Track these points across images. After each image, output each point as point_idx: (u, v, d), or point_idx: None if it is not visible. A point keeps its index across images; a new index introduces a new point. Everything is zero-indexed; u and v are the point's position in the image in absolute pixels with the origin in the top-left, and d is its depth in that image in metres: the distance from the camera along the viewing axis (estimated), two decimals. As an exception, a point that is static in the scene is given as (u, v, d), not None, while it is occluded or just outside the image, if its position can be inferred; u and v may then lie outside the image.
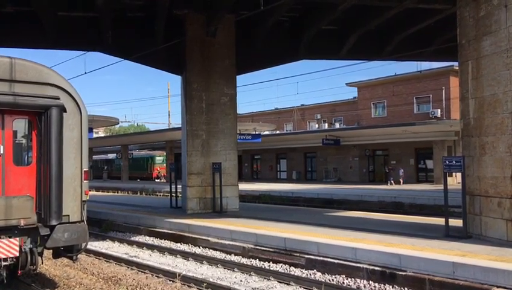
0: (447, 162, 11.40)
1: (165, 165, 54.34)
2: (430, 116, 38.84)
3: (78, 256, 8.67)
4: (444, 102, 39.30)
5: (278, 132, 53.10)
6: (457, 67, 12.85)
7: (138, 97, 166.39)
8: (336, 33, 19.13)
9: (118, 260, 12.02)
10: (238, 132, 26.75)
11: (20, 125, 8.16)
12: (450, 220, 11.56)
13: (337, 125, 50.91)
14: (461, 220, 11.26)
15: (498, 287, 7.76)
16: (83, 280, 9.77)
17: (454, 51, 12.08)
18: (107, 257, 12.39)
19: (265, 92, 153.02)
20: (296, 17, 18.73)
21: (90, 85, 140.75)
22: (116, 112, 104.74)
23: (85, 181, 8.39)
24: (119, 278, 9.85)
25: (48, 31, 16.35)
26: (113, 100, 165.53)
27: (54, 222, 7.72)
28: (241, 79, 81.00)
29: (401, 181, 35.99)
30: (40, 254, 8.05)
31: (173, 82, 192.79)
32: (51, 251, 8.47)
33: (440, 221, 13.28)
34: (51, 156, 7.77)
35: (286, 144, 46.07)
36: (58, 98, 8.05)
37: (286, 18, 18.85)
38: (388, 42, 19.30)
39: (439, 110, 39.19)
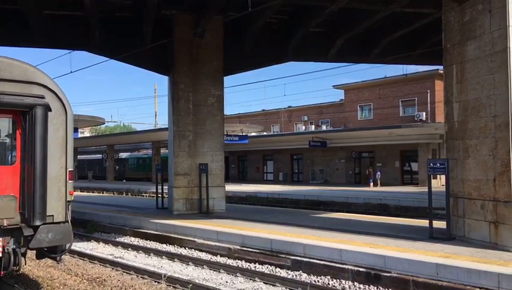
0: (432, 164, 11.53)
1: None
2: (416, 119, 39.19)
3: (62, 257, 8.55)
4: (429, 105, 39.72)
5: (265, 133, 53.15)
6: (442, 71, 13.01)
7: (124, 97, 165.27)
8: (323, 35, 19.20)
9: (103, 261, 11.92)
10: (225, 133, 26.74)
11: (3, 124, 8.04)
12: (434, 222, 11.69)
13: (324, 127, 51.09)
14: (445, 222, 11.40)
15: (480, 288, 7.87)
16: (67, 281, 9.67)
17: (441, 54, 12.22)
18: (92, 258, 12.27)
19: (252, 94, 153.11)
20: (285, 19, 18.76)
21: (75, 84, 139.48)
22: (102, 112, 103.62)
23: (70, 181, 8.28)
24: (104, 279, 9.77)
25: (34, 29, 16.15)
26: (99, 100, 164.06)
27: (37, 222, 7.62)
28: (228, 80, 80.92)
29: (378, 183, 36.54)
30: (24, 255, 7.93)
31: (160, 82, 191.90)
32: (35, 251, 8.37)
33: (424, 223, 13.42)
34: (35, 155, 7.67)
35: (273, 145, 46.13)
36: (43, 97, 7.95)
37: (274, 20, 18.87)
38: (375, 45, 19.44)
39: (424, 113, 39.59)
